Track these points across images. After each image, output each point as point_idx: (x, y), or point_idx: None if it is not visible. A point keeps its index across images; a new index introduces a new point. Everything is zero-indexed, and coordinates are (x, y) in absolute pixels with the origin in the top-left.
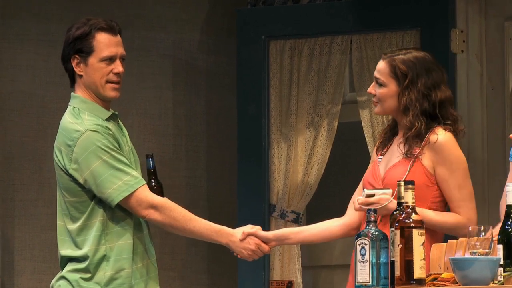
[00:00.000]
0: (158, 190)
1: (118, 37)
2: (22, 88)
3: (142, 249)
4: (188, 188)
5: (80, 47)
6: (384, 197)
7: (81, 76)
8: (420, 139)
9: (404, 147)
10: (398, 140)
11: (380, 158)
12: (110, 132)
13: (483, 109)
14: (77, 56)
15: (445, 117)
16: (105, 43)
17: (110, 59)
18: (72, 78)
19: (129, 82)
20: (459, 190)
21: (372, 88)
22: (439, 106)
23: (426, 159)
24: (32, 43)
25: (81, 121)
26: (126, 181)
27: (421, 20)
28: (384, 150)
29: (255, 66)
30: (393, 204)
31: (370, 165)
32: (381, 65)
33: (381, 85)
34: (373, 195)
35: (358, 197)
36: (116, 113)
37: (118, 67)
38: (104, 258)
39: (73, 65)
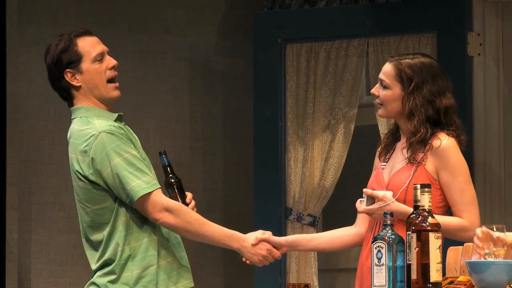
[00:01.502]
0: (177, 184)
1: (96, 37)
2: (39, 92)
3: (167, 245)
4: (204, 191)
5: (67, 59)
6: (388, 195)
7: (78, 87)
8: (423, 144)
9: (407, 152)
10: (401, 145)
11: (383, 165)
12: (123, 132)
13: (500, 112)
14: (69, 69)
15: (449, 123)
16: (89, 44)
17: (101, 58)
18: (69, 95)
19: (145, 85)
20: (462, 194)
21: (375, 90)
22: (444, 113)
23: (429, 164)
24: None
25: (92, 125)
26: (140, 183)
27: (438, 24)
28: (387, 156)
29: (271, 69)
30: (395, 206)
31: (374, 172)
32: (387, 67)
33: (385, 87)
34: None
35: (360, 199)
36: (121, 114)
37: (111, 61)
38: (129, 258)
39: (68, 80)
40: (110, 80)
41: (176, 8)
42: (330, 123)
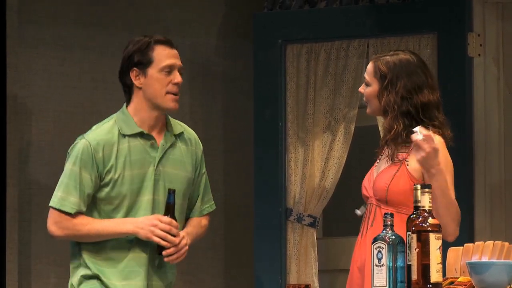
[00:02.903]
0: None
1: (175, 50)
2: (39, 92)
3: (102, 261)
4: None
5: (138, 59)
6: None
7: (139, 88)
8: (403, 142)
9: (388, 150)
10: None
11: (377, 163)
12: (98, 149)
13: (500, 113)
14: (135, 68)
15: (431, 119)
16: (164, 54)
17: (169, 70)
18: (129, 91)
19: None
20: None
21: (361, 88)
22: (422, 110)
23: (413, 161)
24: (48, 47)
25: (92, 130)
26: (64, 197)
27: (438, 24)
28: (380, 155)
29: (271, 70)
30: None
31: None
32: (369, 65)
33: (367, 85)
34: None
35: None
36: (143, 131)
37: (177, 77)
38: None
39: (132, 78)
40: (170, 92)
41: (176, 9)
42: (330, 123)
